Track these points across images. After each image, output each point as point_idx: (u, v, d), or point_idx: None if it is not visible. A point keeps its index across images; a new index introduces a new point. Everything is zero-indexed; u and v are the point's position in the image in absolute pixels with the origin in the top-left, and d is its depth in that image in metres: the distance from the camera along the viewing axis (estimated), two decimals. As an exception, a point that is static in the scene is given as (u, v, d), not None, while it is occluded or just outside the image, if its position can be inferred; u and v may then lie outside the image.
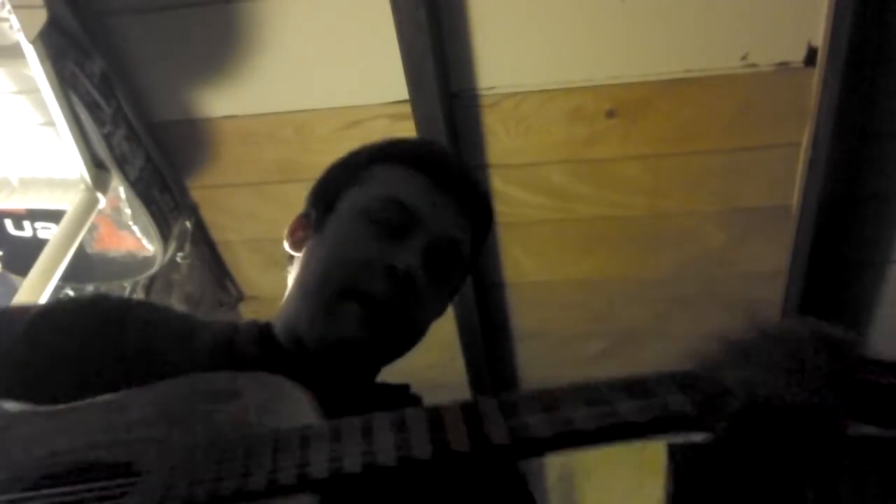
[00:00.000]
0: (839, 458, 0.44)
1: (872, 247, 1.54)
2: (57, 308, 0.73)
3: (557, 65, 1.38)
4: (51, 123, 1.36)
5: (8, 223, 1.51)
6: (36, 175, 1.48)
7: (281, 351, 0.73)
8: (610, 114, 1.43)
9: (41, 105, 1.34)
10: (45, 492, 0.49)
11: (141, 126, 1.49)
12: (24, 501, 0.49)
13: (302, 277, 0.76)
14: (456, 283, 0.83)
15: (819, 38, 1.29)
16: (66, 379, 0.63)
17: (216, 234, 1.72)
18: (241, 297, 1.84)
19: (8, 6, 1.16)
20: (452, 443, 0.46)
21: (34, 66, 1.24)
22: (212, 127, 1.52)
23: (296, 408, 0.54)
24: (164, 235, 1.51)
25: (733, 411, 0.46)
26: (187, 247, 1.62)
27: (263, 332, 0.74)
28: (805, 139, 1.41)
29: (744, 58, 1.34)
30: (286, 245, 0.81)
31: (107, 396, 0.58)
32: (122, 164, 1.40)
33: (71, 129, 1.32)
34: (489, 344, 1.83)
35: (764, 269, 1.64)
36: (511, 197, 1.55)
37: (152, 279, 1.58)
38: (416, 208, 0.75)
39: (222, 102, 1.49)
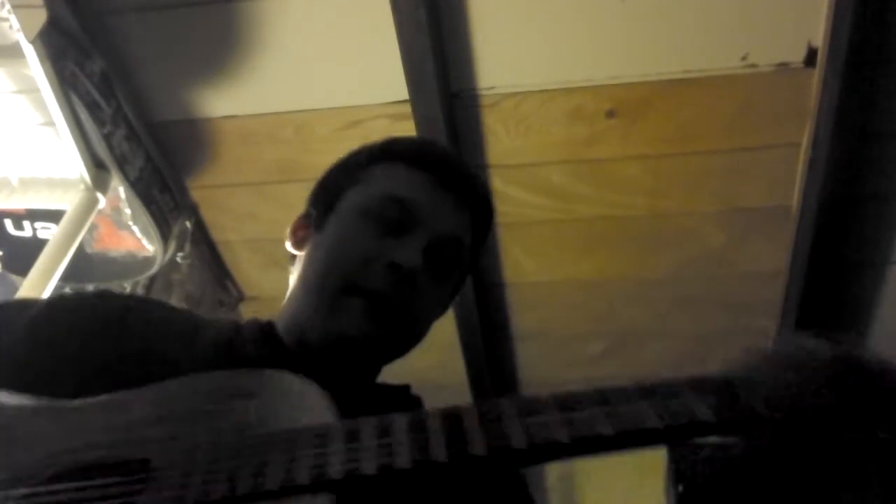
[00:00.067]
0: (871, 465, 0.44)
1: (872, 247, 1.54)
2: (57, 307, 0.72)
3: (557, 65, 1.38)
4: (51, 123, 1.36)
5: (8, 223, 1.51)
6: (36, 175, 1.48)
7: (283, 349, 0.73)
8: (610, 114, 1.43)
9: (41, 105, 1.34)
10: (60, 487, 0.49)
11: (141, 126, 1.49)
12: (41, 496, 0.48)
13: (304, 275, 0.76)
14: (457, 282, 0.83)
15: (819, 38, 1.29)
16: (66, 379, 0.63)
17: (216, 234, 1.72)
18: (241, 298, 1.84)
19: (8, 6, 1.16)
20: (470, 446, 0.45)
21: (34, 66, 1.24)
22: (212, 127, 1.52)
23: (312, 407, 0.54)
24: (164, 235, 1.51)
25: (775, 420, 0.45)
26: (187, 247, 1.62)
27: (265, 330, 0.74)
28: (805, 139, 1.41)
29: (744, 58, 1.34)
30: (288, 244, 0.81)
31: (118, 394, 0.58)
32: (122, 164, 1.40)
33: (71, 129, 1.32)
34: (489, 344, 1.83)
35: (764, 269, 1.64)
36: (511, 197, 1.55)
37: (152, 279, 1.58)
38: (418, 206, 0.75)
39: (222, 102, 1.49)
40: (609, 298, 1.76)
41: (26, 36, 1.19)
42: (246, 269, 1.78)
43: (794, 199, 1.50)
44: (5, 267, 1.54)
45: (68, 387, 0.60)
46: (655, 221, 1.59)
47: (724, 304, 1.73)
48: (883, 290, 1.61)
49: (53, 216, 1.44)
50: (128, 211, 1.46)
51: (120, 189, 1.42)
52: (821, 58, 1.30)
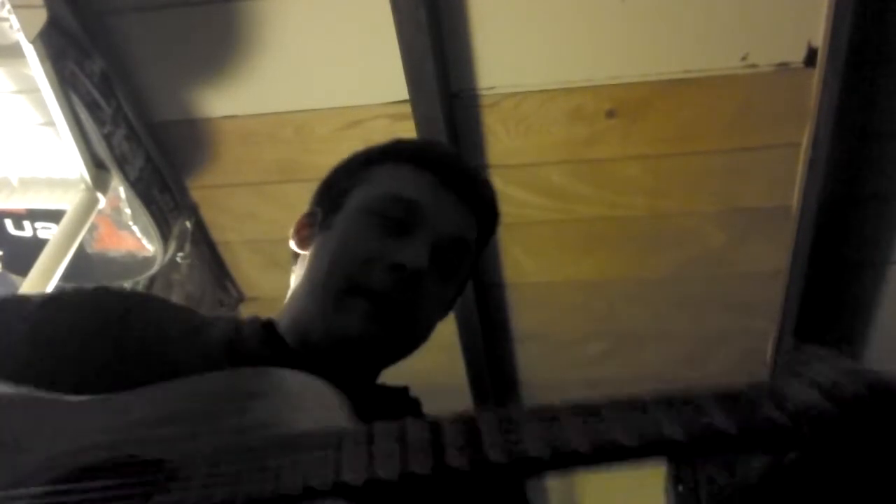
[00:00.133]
0: None
1: (872, 247, 1.54)
2: (58, 304, 0.72)
3: (557, 65, 1.38)
4: (51, 123, 1.36)
5: (8, 223, 1.51)
6: (36, 175, 1.48)
7: (286, 348, 0.73)
8: (610, 114, 1.43)
9: (41, 105, 1.34)
10: (73, 486, 0.48)
11: (141, 126, 1.49)
12: (55, 495, 0.48)
13: (308, 274, 0.76)
14: (461, 283, 0.83)
15: (819, 38, 1.29)
16: (67, 378, 0.63)
17: (216, 234, 1.72)
18: (241, 298, 1.83)
19: (8, 6, 1.16)
20: (488, 453, 0.45)
21: (34, 66, 1.24)
22: (212, 127, 1.52)
23: (326, 408, 0.53)
24: (164, 235, 1.51)
25: (803, 434, 0.44)
26: (187, 247, 1.62)
27: (267, 328, 0.74)
28: (805, 139, 1.41)
29: (744, 58, 1.34)
30: (292, 243, 0.81)
31: (122, 394, 0.58)
32: (122, 164, 1.40)
33: (71, 129, 1.32)
34: (489, 345, 1.83)
35: (764, 269, 1.64)
36: (511, 197, 1.55)
37: (152, 279, 1.58)
38: (423, 206, 0.75)
39: (222, 102, 1.49)
40: (609, 299, 1.76)
41: (26, 36, 1.19)
42: (246, 269, 1.78)
43: (794, 199, 1.50)
44: (5, 267, 1.54)
45: (68, 386, 0.59)
46: (655, 221, 1.59)
47: (724, 304, 1.72)
48: (883, 290, 1.61)
49: (53, 216, 1.44)
50: (128, 211, 1.46)
51: (120, 189, 1.42)
52: (821, 58, 1.30)
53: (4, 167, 1.47)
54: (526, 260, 1.70)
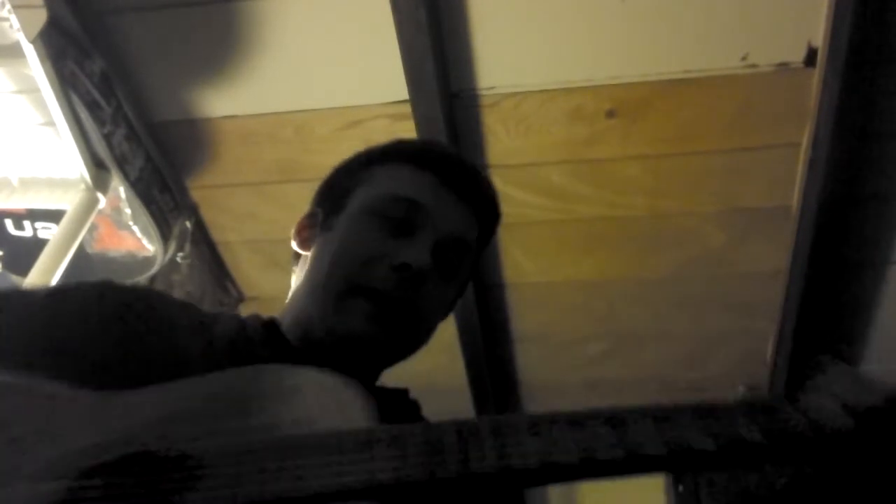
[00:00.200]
0: None
1: (872, 247, 1.54)
2: (62, 299, 0.71)
3: (557, 65, 1.38)
4: (51, 123, 1.36)
5: (8, 223, 1.51)
6: (36, 175, 1.48)
7: (288, 347, 0.73)
8: (610, 114, 1.43)
9: (41, 105, 1.34)
10: (97, 482, 0.48)
11: (141, 126, 1.49)
12: (81, 490, 0.47)
13: (310, 274, 0.76)
14: (462, 283, 0.83)
15: (819, 38, 1.29)
16: (74, 370, 0.62)
17: (216, 234, 1.72)
18: (241, 298, 1.83)
19: (8, 6, 1.16)
20: (513, 457, 0.45)
21: (34, 66, 1.24)
22: (212, 127, 1.52)
23: (352, 408, 0.53)
24: (164, 235, 1.51)
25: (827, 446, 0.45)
26: (187, 247, 1.62)
27: (268, 327, 0.75)
28: (805, 139, 1.41)
29: (744, 58, 1.34)
30: (294, 244, 0.81)
31: (147, 388, 0.57)
32: (122, 163, 1.40)
33: (71, 129, 1.32)
34: (489, 345, 1.83)
35: (764, 269, 1.64)
36: (511, 197, 1.55)
37: (152, 279, 1.58)
38: (424, 206, 0.75)
39: (222, 102, 1.49)
40: (609, 299, 1.76)
41: (26, 36, 1.19)
42: (246, 269, 1.78)
43: (794, 199, 1.50)
44: (5, 267, 1.54)
45: (74, 377, 0.59)
46: (655, 221, 1.58)
47: (724, 304, 1.72)
48: (883, 290, 1.61)
49: (53, 216, 1.44)
50: (128, 211, 1.46)
51: (120, 189, 1.42)
52: (821, 58, 1.30)
53: (4, 167, 1.48)
54: (526, 260, 1.69)
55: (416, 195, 0.76)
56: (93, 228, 1.48)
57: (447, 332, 1.76)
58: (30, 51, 1.22)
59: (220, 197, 1.64)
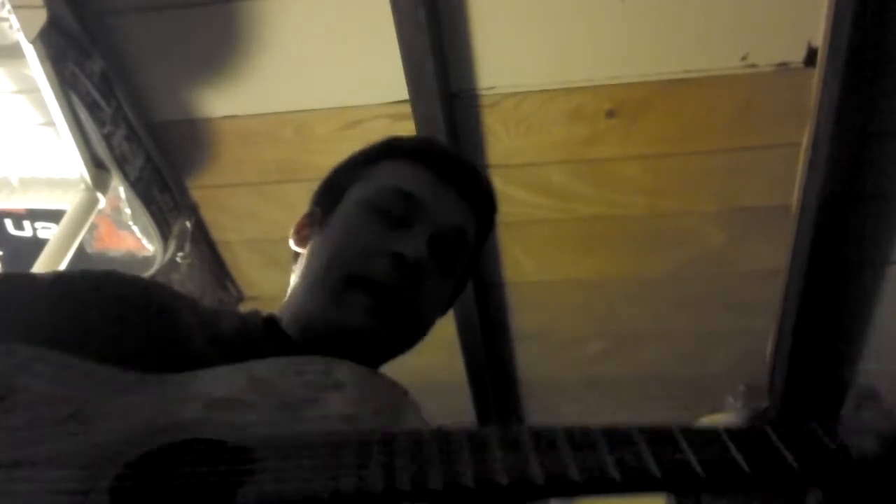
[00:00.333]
0: None
1: (872, 247, 1.54)
2: (69, 280, 0.69)
3: (557, 65, 1.38)
4: (51, 123, 1.36)
5: (8, 223, 1.51)
6: (36, 175, 1.48)
7: (288, 342, 0.73)
8: (610, 114, 1.43)
9: (41, 105, 1.34)
10: (148, 470, 0.47)
11: (141, 126, 1.49)
12: (125, 479, 0.46)
13: (308, 269, 0.76)
14: (460, 278, 0.83)
15: (819, 38, 1.29)
16: (90, 351, 0.61)
17: (216, 234, 1.72)
18: (241, 298, 1.84)
19: (8, 6, 1.16)
20: (556, 467, 0.45)
21: (34, 66, 1.24)
22: (212, 127, 1.52)
23: (397, 406, 0.53)
24: (164, 235, 1.52)
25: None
26: (187, 247, 1.62)
27: (268, 323, 0.75)
28: (805, 139, 1.41)
29: (744, 58, 1.34)
30: (292, 242, 0.82)
31: (188, 374, 0.56)
32: (122, 164, 1.40)
33: (71, 129, 1.32)
34: (489, 344, 1.83)
35: (764, 269, 1.64)
36: (511, 197, 1.55)
37: (152, 279, 1.58)
38: (421, 199, 0.76)
39: (222, 102, 1.49)
40: (609, 298, 1.76)
41: (26, 36, 1.19)
42: (246, 269, 1.78)
43: (794, 198, 1.50)
44: (5, 267, 1.55)
45: (93, 359, 0.58)
46: (655, 221, 1.59)
47: (724, 303, 1.73)
48: (883, 290, 1.61)
49: (53, 216, 1.44)
50: (128, 211, 1.46)
51: (120, 189, 1.42)
52: (821, 58, 1.30)
53: (4, 167, 1.48)
54: (526, 259, 1.70)
55: (413, 190, 0.76)
56: (93, 228, 1.48)
57: (447, 331, 1.76)
58: (30, 51, 1.22)
59: (220, 197, 1.64)
